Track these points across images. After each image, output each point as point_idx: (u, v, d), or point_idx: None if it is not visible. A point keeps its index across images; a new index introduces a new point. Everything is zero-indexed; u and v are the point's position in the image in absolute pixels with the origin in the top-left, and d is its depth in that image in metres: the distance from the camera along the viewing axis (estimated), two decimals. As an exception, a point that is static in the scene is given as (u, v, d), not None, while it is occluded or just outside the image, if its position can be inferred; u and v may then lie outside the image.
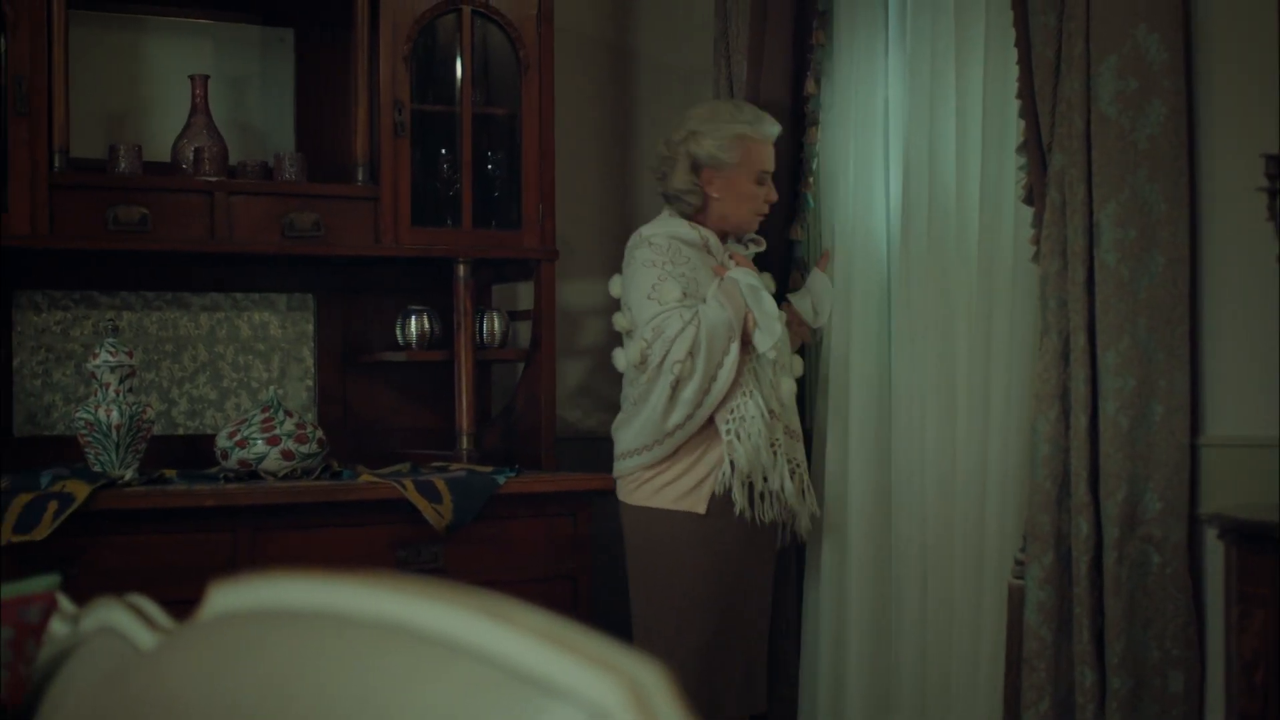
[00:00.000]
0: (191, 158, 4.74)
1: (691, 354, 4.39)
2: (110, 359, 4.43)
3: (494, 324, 5.07)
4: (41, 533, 4.08)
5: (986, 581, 4.47)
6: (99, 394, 4.43)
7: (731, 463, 4.41)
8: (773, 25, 4.98)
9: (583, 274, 5.55)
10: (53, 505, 4.12)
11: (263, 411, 4.64)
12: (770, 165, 4.62)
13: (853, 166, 4.94)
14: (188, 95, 4.84)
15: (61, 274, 4.81)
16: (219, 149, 4.74)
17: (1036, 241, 4.24)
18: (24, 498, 4.12)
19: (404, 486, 4.48)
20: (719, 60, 5.17)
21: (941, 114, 4.65)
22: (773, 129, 4.63)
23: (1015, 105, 4.32)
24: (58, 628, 2.58)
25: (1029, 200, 4.27)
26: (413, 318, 5.04)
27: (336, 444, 4.95)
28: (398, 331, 5.06)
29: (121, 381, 4.43)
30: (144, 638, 2.37)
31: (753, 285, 4.47)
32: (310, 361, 5.12)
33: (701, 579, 4.45)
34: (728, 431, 4.43)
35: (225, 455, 4.61)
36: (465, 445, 4.90)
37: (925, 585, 4.69)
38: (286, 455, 4.58)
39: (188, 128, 4.81)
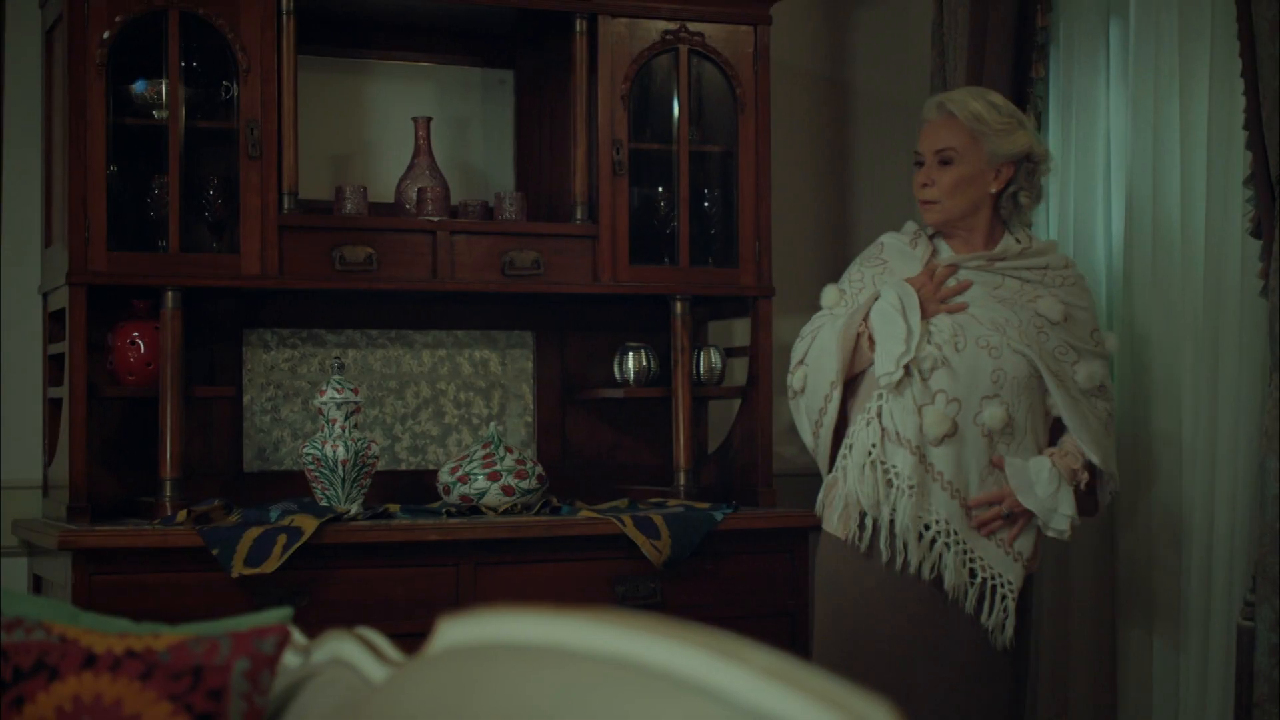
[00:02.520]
0: (415, 198, 4.83)
1: (804, 363, 4.05)
2: (336, 396, 4.53)
3: (710, 360, 5.09)
4: (271, 566, 4.18)
5: (1215, 623, 4.36)
6: (325, 430, 4.52)
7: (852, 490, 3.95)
8: (990, 59, 4.94)
9: (799, 310, 5.53)
10: (281, 539, 4.21)
11: (483, 447, 4.70)
12: (923, 145, 4.05)
13: (1073, 199, 4.87)
14: (411, 137, 4.94)
15: (290, 313, 4.93)
16: (441, 189, 4.83)
17: (1265, 275, 4.14)
18: (254, 531, 4.23)
19: (623, 522, 4.51)
20: (935, 94, 5.13)
21: (1166, 146, 4.57)
22: (928, 111, 4.10)
23: (1242, 136, 4.23)
24: (290, 659, 2.63)
25: (1257, 233, 4.17)
26: (630, 354, 5.07)
27: (555, 479, 5.00)
28: (615, 368, 5.09)
29: (347, 418, 4.52)
30: (374, 670, 2.41)
31: (883, 309, 3.92)
32: (530, 398, 5.18)
33: (830, 611, 4.04)
34: (842, 456, 4.01)
35: (447, 490, 4.68)
36: (682, 481, 4.91)
37: (1151, 626, 4.59)
38: (507, 490, 4.63)
39: (411, 168, 4.90)
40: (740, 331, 5.29)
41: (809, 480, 5.40)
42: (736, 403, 5.16)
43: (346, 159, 5.07)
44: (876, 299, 3.97)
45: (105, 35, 4.40)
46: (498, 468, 4.65)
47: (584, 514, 4.64)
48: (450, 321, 5.10)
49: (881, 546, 3.89)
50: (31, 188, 4.80)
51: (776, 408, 5.13)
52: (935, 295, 3.96)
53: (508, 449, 4.70)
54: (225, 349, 4.88)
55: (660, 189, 5.01)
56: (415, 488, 4.97)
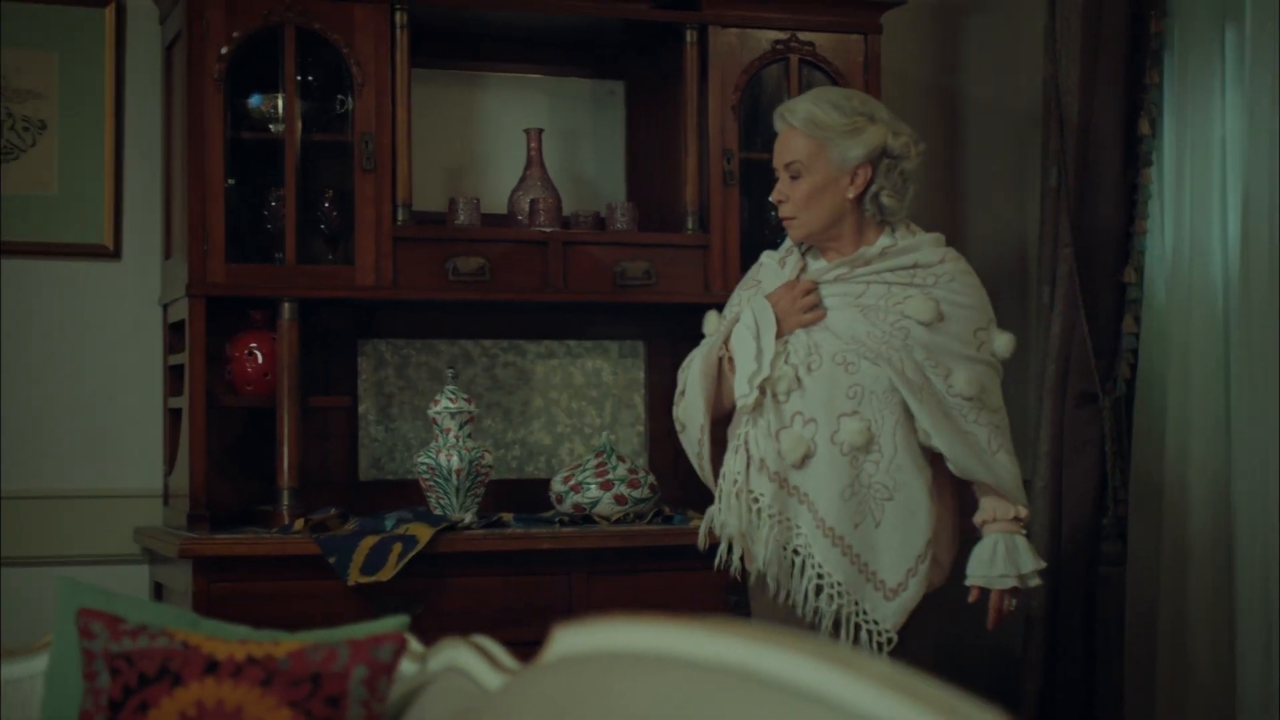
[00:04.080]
0: (527, 209, 4.87)
1: (684, 394, 3.84)
2: (450, 405, 4.57)
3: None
4: (387, 574, 4.22)
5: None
6: (440, 439, 4.56)
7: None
8: (1104, 65, 4.91)
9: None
10: (397, 547, 4.26)
11: (596, 456, 4.73)
12: (775, 161, 3.78)
13: (1188, 208, 4.83)
14: (523, 148, 4.97)
15: (404, 323, 4.98)
16: (553, 200, 4.86)
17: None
18: (370, 540, 4.27)
19: (734, 531, 4.50)
20: (1049, 102, 5.11)
21: (1283, 152, 4.52)
22: (775, 123, 3.80)
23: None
24: (406, 667, 2.67)
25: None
26: (741, 364, 5.06)
27: (667, 489, 5.01)
28: (727, 377, 5.09)
29: (461, 427, 4.56)
30: (490, 678, 2.44)
31: (740, 331, 3.73)
32: (641, 407, 5.20)
33: None
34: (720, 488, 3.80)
35: (560, 499, 4.71)
36: (794, 490, 4.90)
37: (1272, 655, 4.53)
38: (619, 500, 4.65)
39: (523, 180, 4.94)
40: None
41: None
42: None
43: (459, 170, 5.12)
44: (738, 321, 3.77)
45: (223, 51, 4.47)
46: (610, 477, 4.67)
47: (696, 523, 4.64)
48: (562, 331, 5.13)
49: (768, 579, 3.70)
50: (152, 201, 4.89)
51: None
52: (795, 308, 3.70)
53: (620, 458, 4.73)
54: (340, 359, 4.94)
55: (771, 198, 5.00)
56: (528, 497, 5.00)
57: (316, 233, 4.69)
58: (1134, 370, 5.01)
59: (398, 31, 4.60)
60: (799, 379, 3.66)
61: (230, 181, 4.52)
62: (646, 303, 4.84)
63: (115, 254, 4.87)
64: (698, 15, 4.86)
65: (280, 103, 4.59)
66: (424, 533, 4.31)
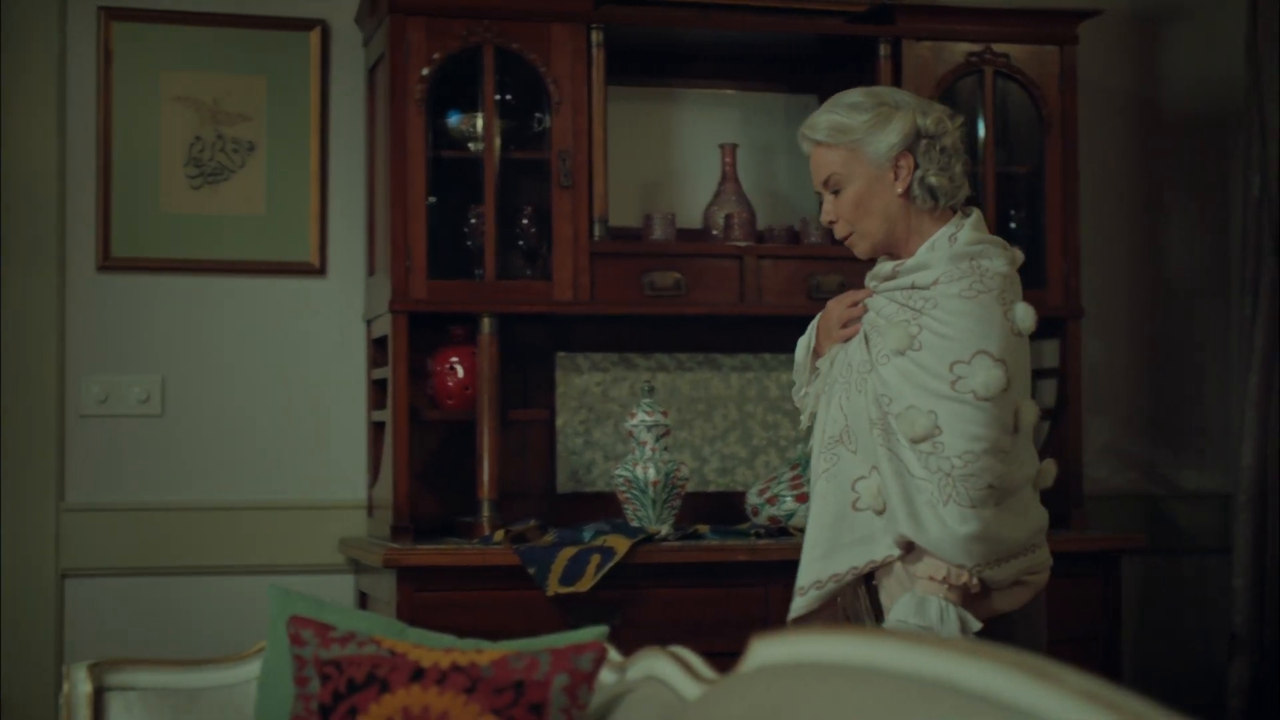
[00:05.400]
0: (722, 224, 4.90)
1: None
2: (647, 418, 4.62)
3: (1018, 382, 5.04)
4: (585, 585, 4.28)
5: None
6: (636, 452, 4.61)
7: None
8: (1308, 72, 4.82)
9: (1109, 333, 5.47)
10: (595, 559, 4.31)
11: (791, 469, 4.74)
12: (814, 184, 3.44)
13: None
14: (718, 163, 5.01)
15: (601, 337, 5.04)
16: (748, 214, 4.89)
17: None
18: (569, 551, 4.33)
19: (930, 544, 4.49)
20: (1250, 110, 5.03)
21: None
22: (802, 146, 3.45)
23: None
24: (606, 676, 2.71)
25: None
26: (940, 376, 5.04)
27: (862, 501, 5.00)
28: (922, 390, 5.08)
29: (657, 440, 4.60)
30: (688, 687, 2.47)
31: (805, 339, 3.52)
32: (836, 420, 5.19)
33: None
34: None
35: (755, 511, 4.73)
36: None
37: None
38: (814, 512, 4.66)
39: (718, 195, 4.98)
40: (1049, 353, 5.23)
41: (1121, 502, 5.34)
42: (1046, 424, 5.10)
43: (655, 186, 5.17)
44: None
45: (424, 72, 4.57)
46: (806, 489, 4.68)
47: (891, 536, 4.63)
48: (757, 344, 5.15)
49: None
50: (356, 219, 5.00)
51: (1086, 428, 5.06)
52: (835, 323, 3.42)
53: (815, 471, 4.73)
54: (539, 373, 5.01)
55: (967, 210, 4.98)
56: (723, 509, 5.03)
57: (515, 249, 4.77)
58: (1341, 382, 4.92)
59: (594, 50, 4.67)
60: (820, 407, 3.40)
61: (431, 199, 4.61)
62: (841, 316, 4.84)
63: (321, 271, 5.00)
64: (892, 29, 4.86)
65: (479, 121, 4.67)
66: (622, 544, 4.35)
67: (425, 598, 4.30)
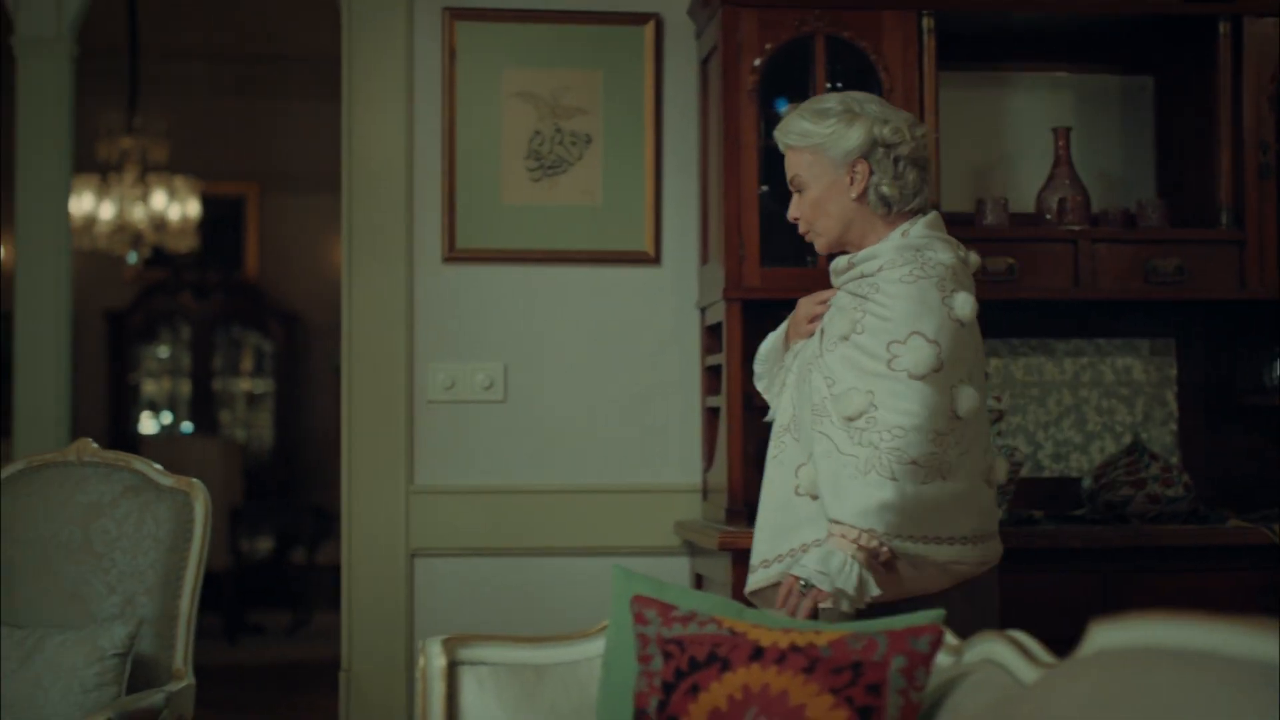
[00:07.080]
0: (1055, 208, 4.86)
1: None
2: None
3: (1366, 366, 4.90)
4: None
5: None
6: (969, 437, 4.61)
7: None
8: None
9: None
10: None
11: (1127, 455, 4.69)
12: (788, 179, 3.65)
13: None
14: (1050, 147, 4.97)
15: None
16: (1081, 198, 4.84)
17: None
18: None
19: (1274, 532, 4.41)
20: None
21: None
22: (777, 142, 3.66)
23: None
24: (942, 659, 2.74)
25: None
26: (1280, 361, 4.94)
27: (1203, 488, 4.92)
28: (1264, 375, 4.97)
29: (992, 425, 4.59)
30: (1025, 671, 2.49)
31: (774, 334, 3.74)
32: (1173, 405, 5.12)
33: None
34: None
35: (1090, 498, 4.69)
36: (1337, 491, 4.75)
37: None
38: (1152, 499, 4.60)
39: (1051, 179, 4.94)
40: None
41: None
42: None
43: (986, 171, 5.15)
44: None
45: (756, 62, 4.64)
46: (1142, 475, 4.62)
47: (1233, 523, 4.56)
48: (1091, 329, 5.10)
49: None
50: (689, 209, 5.10)
51: None
52: (803, 316, 3.64)
53: (1153, 456, 4.67)
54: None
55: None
56: (1058, 494, 4.99)
57: (846, 235, 4.80)
58: None
59: (924, 36, 4.68)
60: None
61: (763, 188, 4.67)
62: (1178, 300, 4.77)
63: (656, 260, 5.11)
64: (1231, 7, 4.76)
65: (811, 110, 4.72)
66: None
67: (760, 580, 4.36)
